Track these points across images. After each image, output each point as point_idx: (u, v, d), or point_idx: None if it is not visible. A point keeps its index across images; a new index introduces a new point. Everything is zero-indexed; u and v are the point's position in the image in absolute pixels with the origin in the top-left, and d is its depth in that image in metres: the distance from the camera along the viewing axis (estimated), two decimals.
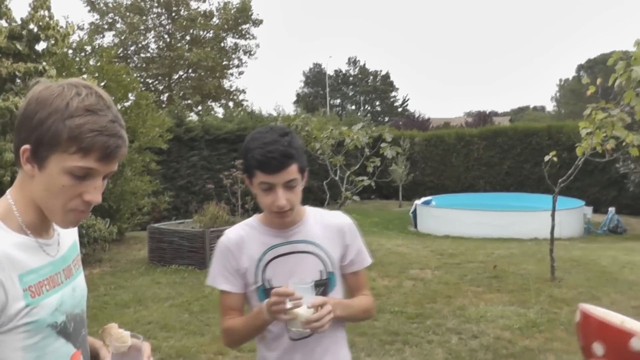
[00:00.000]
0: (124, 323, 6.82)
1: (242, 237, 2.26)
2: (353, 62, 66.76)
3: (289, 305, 1.97)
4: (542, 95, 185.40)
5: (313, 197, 20.66)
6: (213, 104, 34.24)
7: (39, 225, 1.51)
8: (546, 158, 8.68)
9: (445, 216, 15.61)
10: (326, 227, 2.30)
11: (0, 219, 1.45)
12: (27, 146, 1.41)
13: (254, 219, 2.31)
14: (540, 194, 18.46)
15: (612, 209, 15.93)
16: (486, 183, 21.72)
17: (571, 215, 14.37)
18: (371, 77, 64.37)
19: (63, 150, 1.40)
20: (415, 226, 16.47)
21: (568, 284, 8.32)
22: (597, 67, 57.26)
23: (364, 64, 68.01)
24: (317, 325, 1.98)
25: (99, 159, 1.42)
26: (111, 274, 9.60)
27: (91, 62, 13.05)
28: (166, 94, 32.34)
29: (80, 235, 1.57)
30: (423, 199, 18.03)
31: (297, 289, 2.00)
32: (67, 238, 1.64)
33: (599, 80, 7.73)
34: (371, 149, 10.98)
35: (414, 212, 16.80)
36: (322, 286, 2.22)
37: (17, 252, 1.42)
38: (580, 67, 69.52)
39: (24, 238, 1.47)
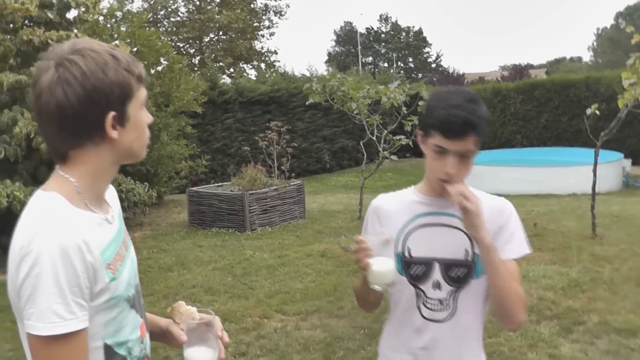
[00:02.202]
0: (168, 287, 6.98)
1: (394, 202, 2.19)
2: (384, 19, 65.82)
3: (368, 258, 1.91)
4: (579, 45, 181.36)
5: (348, 157, 20.65)
6: (245, 65, 34.13)
7: (99, 201, 1.53)
8: (588, 111, 8.50)
9: (482, 173, 15.39)
10: (484, 207, 1.98)
11: (68, 200, 1.43)
12: (112, 113, 1.43)
13: (411, 187, 2.20)
14: (577, 148, 18.17)
15: None
16: (523, 138, 21.42)
17: (609, 169, 14.08)
18: (403, 34, 63.40)
19: (135, 92, 1.48)
20: None
21: (609, 241, 8.22)
22: (637, 14, 55.55)
23: (396, 21, 67.10)
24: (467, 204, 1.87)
25: (144, 82, 1.54)
26: (153, 238, 9.76)
27: (122, 29, 13.05)
28: (197, 57, 32.33)
29: (120, 200, 1.58)
30: None
31: (370, 242, 1.92)
32: (116, 209, 1.65)
33: None
34: (408, 107, 10.86)
35: None
36: (465, 268, 2.04)
37: (93, 231, 1.43)
38: (618, 15, 67.53)
39: (92, 215, 1.48)
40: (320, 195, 13.92)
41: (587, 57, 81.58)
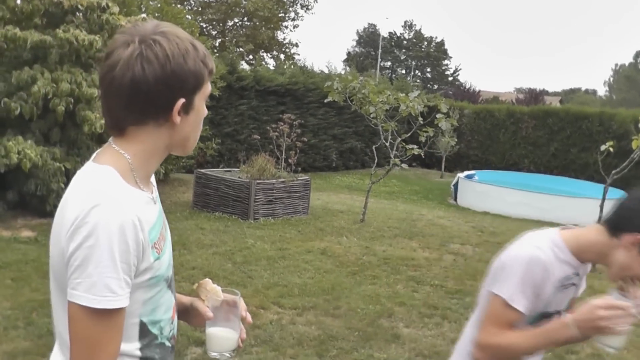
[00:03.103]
0: None
1: (552, 260, 2.09)
2: (409, 25, 65.76)
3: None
4: (595, 78, 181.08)
5: (355, 159, 20.67)
6: (265, 54, 34.10)
7: (146, 180, 1.55)
8: (602, 147, 8.52)
9: (487, 192, 15.46)
10: None
11: (121, 176, 1.44)
12: (182, 100, 1.46)
13: (559, 241, 2.13)
14: (584, 181, 18.18)
15: None
16: (531, 163, 21.42)
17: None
18: (425, 43, 63.38)
19: (205, 84, 1.52)
20: (455, 199, 16.36)
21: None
22: None
23: (420, 29, 67.06)
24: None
25: (211, 77, 1.57)
26: None
27: (151, 2, 13.07)
28: (219, 40, 32.29)
29: None
30: (466, 173, 17.86)
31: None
32: (156, 191, 1.66)
33: None
34: (424, 118, 10.88)
35: (456, 184, 16.68)
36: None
37: (143, 210, 1.45)
38: (638, 54, 67.48)
39: (142, 194, 1.49)
40: (323, 193, 13.93)
41: (602, 91, 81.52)
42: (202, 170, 10.99)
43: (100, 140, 8.77)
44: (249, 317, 1.74)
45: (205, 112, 1.57)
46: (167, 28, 1.47)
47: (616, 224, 2.03)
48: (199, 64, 1.47)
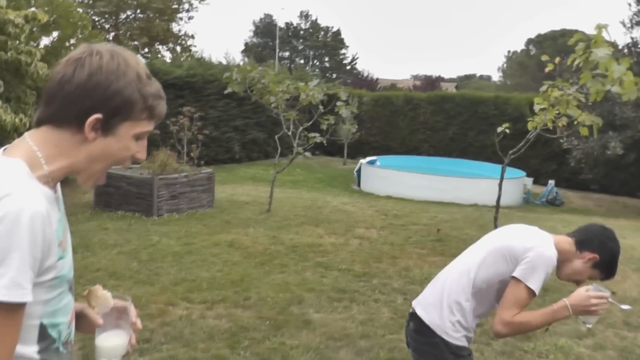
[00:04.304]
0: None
1: None
2: (305, 15, 66.18)
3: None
4: (489, 65, 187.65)
5: (258, 150, 20.64)
6: (160, 47, 33.41)
7: (57, 182, 1.51)
8: (499, 129, 8.89)
9: (389, 177, 15.83)
10: None
11: (30, 170, 1.41)
12: (98, 115, 1.43)
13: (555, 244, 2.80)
14: (481, 162, 18.90)
15: (551, 182, 16.45)
16: (430, 147, 22.08)
17: (512, 185, 14.75)
18: (322, 33, 63.89)
19: (136, 117, 1.48)
20: (359, 185, 16.65)
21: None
22: (547, 42, 58.04)
23: (316, 19, 67.55)
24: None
25: (156, 122, 1.55)
26: None
27: None
28: (112, 34, 31.37)
29: None
30: (368, 159, 18.20)
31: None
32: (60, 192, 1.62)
33: (557, 59, 7.87)
34: (324, 107, 10.98)
35: (359, 170, 16.97)
36: None
37: (50, 207, 1.41)
38: (529, 41, 70.34)
39: (50, 192, 1.45)
40: (228, 186, 13.84)
41: (496, 77, 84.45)
42: None
43: None
44: (139, 323, 1.74)
45: (131, 147, 1.52)
46: (121, 50, 1.50)
47: (581, 243, 2.78)
48: (134, 92, 1.46)
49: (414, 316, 2.94)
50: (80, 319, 1.70)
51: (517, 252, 2.70)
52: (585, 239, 2.78)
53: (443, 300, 2.84)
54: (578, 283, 2.83)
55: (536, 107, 8.14)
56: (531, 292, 2.63)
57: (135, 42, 30.52)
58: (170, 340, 5.08)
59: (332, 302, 6.23)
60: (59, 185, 1.59)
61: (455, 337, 2.78)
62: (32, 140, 1.46)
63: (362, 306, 6.16)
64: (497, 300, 2.79)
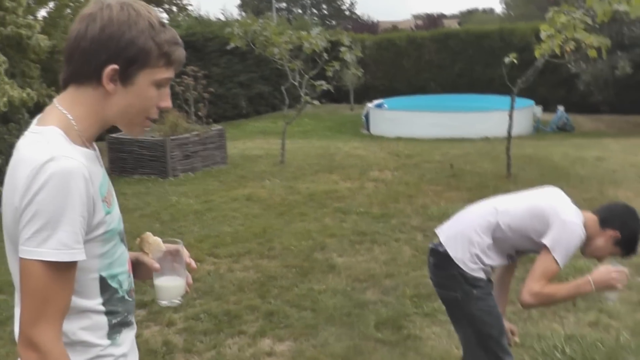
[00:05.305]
0: None
1: None
2: None
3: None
4: None
5: (265, 103, 20.57)
6: (156, 9, 32.99)
7: (91, 141, 1.56)
8: (506, 60, 8.81)
9: (398, 118, 15.78)
10: None
11: (65, 134, 1.46)
12: (114, 66, 1.45)
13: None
14: (488, 95, 18.74)
15: (561, 108, 16.32)
16: (437, 85, 21.87)
17: (521, 115, 14.65)
18: None
19: (153, 65, 1.49)
20: (368, 129, 16.62)
21: (523, 180, 8.64)
22: None
23: None
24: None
25: (176, 68, 1.56)
26: None
27: None
28: None
29: None
30: (375, 102, 18.11)
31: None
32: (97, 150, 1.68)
33: None
34: (328, 54, 10.93)
35: (367, 115, 16.92)
36: None
37: (91, 165, 1.46)
38: None
39: (88, 151, 1.50)
40: (239, 141, 13.89)
41: (499, 9, 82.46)
42: (114, 135, 10.67)
43: None
44: (193, 263, 1.78)
45: (153, 95, 1.54)
46: (132, 2, 1.50)
47: (604, 220, 2.88)
48: (148, 40, 1.47)
49: (433, 252, 3.05)
50: (137, 266, 1.75)
51: (550, 219, 2.83)
52: (609, 217, 2.89)
53: (465, 232, 2.95)
54: (600, 259, 2.99)
55: (543, 34, 8.04)
56: (559, 268, 2.78)
57: None
58: (202, 295, 5.21)
59: (353, 245, 6.35)
60: (95, 145, 1.64)
61: (473, 268, 2.88)
62: (60, 105, 1.51)
63: (384, 246, 6.27)
64: (507, 254, 2.98)
